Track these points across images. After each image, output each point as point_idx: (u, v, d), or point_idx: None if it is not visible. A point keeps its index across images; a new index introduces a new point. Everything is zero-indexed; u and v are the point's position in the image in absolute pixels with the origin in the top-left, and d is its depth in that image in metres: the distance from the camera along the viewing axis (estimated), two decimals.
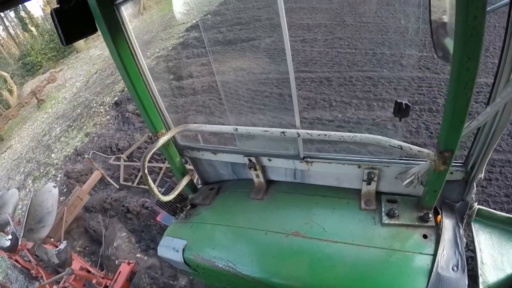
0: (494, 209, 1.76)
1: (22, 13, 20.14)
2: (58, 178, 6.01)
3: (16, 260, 3.88)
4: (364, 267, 1.54)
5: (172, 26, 11.82)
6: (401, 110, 1.47)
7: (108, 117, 7.43)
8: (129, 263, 3.25)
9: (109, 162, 4.92)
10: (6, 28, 20.90)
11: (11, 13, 19.80)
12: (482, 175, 1.51)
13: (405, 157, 1.65)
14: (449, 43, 1.18)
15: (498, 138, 1.34)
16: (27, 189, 6.34)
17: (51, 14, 1.34)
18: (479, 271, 1.47)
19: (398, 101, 1.45)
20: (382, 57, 5.81)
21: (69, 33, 1.40)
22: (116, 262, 3.61)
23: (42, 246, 2.95)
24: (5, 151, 9.03)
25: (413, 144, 1.51)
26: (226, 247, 1.84)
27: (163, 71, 7.99)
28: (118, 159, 4.80)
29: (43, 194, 3.51)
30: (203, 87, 6.70)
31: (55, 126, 8.59)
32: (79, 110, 8.64)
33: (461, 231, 1.57)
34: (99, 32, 1.55)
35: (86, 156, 4.94)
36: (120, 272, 3.23)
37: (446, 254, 1.46)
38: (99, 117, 7.66)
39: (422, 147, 1.46)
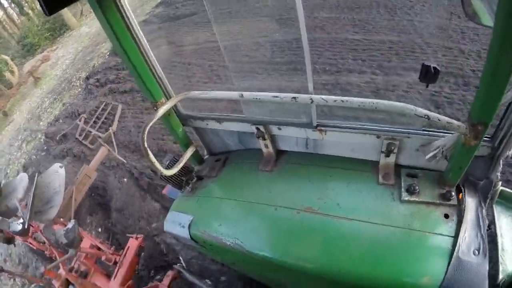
0: None
1: None
2: (41, 140, 7.67)
3: (30, 243, 3.92)
4: (381, 247, 1.44)
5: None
6: (428, 75, 1.31)
7: (80, 89, 8.92)
8: (137, 238, 3.23)
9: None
10: (5, 12, 21.55)
11: None
12: (510, 152, 1.37)
13: (429, 128, 1.51)
14: (475, 2, 1.06)
15: None
16: (22, 151, 8.08)
17: None
18: (500, 259, 1.36)
19: (426, 63, 1.30)
20: (406, 19, 5.50)
21: (51, 2, 1.27)
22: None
23: (49, 227, 2.93)
24: (8, 125, 10.89)
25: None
26: (233, 223, 1.76)
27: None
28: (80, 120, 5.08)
29: (50, 175, 3.48)
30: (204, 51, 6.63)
31: (46, 99, 10.18)
32: (63, 85, 10.12)
33: (484, 212, 1.45)
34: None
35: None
36: (128, 247, 3.23)
37: (468, 237, 1.36)
38: (74, 90, 9.20)
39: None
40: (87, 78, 8.87)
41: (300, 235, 1.60)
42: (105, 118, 4.86)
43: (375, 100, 1.41)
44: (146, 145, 1.63)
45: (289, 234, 1.63)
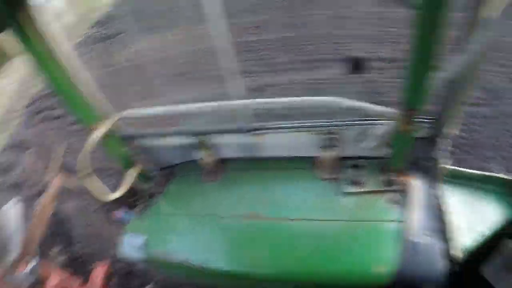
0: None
1: None
2: None
3: None
4: (330, 243, 1.44)
5: None
6: (356, 66, 1.34)
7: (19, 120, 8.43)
8: (102, 266, 3.13)
9: None
10: None
11: None
12: (456, 132, 1.40)
13: (366, 117, 1.52)
14: None
15: (467, 90, 1.22)
16: None
17: None
18: (451, 235, 1.39)
19: (352, 56, 1.31)
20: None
21: None
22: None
23: (9, 274, 2.77)
24: None
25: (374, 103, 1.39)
26: (183, 238, 1.72)
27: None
28: None
29: (4, 215, 3.30)
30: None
31: None
32: (5, 118, 9.31)
33: (432, 192, 1.49)
34: None
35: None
36: (93, 277, 3.11)
37: (418, 219, 1.38)
38: (16, 121, 8.39)
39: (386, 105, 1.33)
40: (27, 106, 8.74)
41: (248, 243, 1.58)
42: None
43: (304, 98, 1.41)
44: (84, 174, 1.55)
45: (237, 243, 1.61)
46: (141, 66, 6.55)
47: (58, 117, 7.25)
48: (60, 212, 4.79)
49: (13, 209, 3.30)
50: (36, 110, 8.24)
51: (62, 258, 4.28)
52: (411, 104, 1.20)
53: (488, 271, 1.46)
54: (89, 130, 1.70)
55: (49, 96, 8.14)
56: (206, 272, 1.61)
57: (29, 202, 5.00)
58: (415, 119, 1.28)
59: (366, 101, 1.37)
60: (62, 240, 4.52)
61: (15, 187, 5.88)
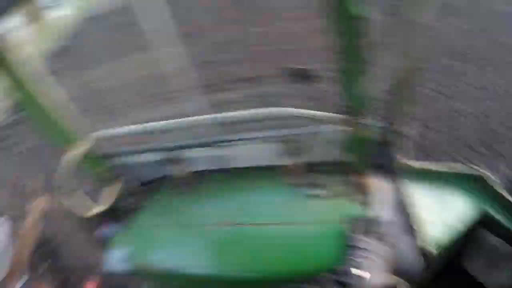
0: None
1: None
2: None
3: None
4: (297, 246, 1.51)
5: None
6: (302, 76, 1.42)
7: None
8: (92, 283, 3.15)
9: None
10: None
11: None
12: (412, 131, 1.47)
13: (323, 124, 1.61)
14: None
15: (410, 90, 1.31)
16: None
17: None
18: (421, 230, 1.45)
19: (299, 67, 1.40)
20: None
21: None
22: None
23: None
24: None
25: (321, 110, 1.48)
26: (166, 249, 1.80)
27: None
28: None
29: None
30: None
31: None
32: None
33: (397, 190, 1.56)
34: None
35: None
36: None
37: (382, 216, 1.45)
38: None
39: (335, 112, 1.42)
40: None
41: (226, 248, 1.67)
42: None
43: (259, 110, 1.51)
44: (62, 194, 1.62)
45: (216, 249, 1.69)
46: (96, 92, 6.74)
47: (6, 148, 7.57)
48: (46, 231, 4.82)
49: (1, 228, 3.32)
50: None
51: (50, 276, 4.30)
52: (350, 108, 1.29)
53: (472, 266, 1.53)
54: (64, 151, 1.77)
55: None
56: (191, 278, 1.69)
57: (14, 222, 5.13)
58: (362, 122, 1.35)
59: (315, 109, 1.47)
60: (49, 258, 4.53)
61: None
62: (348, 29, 1.03)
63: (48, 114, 1.66)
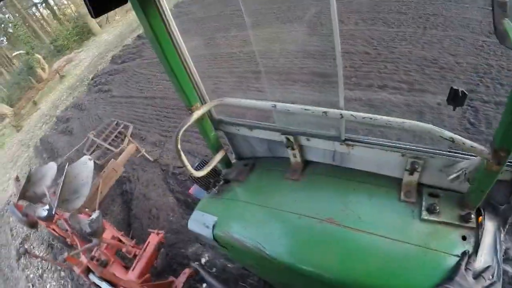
0: None
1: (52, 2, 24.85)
2: (54, 122, 10.92)
3: (53, 229, 4.10)
4: (397, 263, 1.47)
5: None
6: (456, 98, 1.34)
7: (85, 87, 11.75)
8: (158, 233, 3.34)
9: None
10: (42, 15, 25.57)
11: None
12: None
13: (454, 149, 1.52)
14: (508, 25, 1.07)
15: None
16: (41, 129, 11.33)
17: None
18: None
19: (454, 87, 1.32)
20: (437, 37, 5.45)
21: (98, 5, 1.35)
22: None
23: (75, 216, 3.06)
24: (36, 111, 14.38)
25: (464, 136, 1.40)
26: (256, 227, 1.82)
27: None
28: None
29: (78, 166, 3.63)
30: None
31: (64, 94, 13.23)
32: (78, 83, 13.07)
33: (502, 236, 1.46)
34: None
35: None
36: (149, 242, 3.34)
37: (483, 260, 1.36)
38: (82, 87, 12.02)
39: (474, 141, 1.34)
40: (92, 79, 11.86)
41: (320, 244, 1.65)
42: (115, 136, 5.15)
43: (402, 120, 1.45)
44: (179, 147, 1.71)
45: (309, 243, 1.68)
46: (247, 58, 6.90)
47: (106, 91, 9.91)
48: (128, 177, 5.18)
49: (86, 164, 3.62)
50: (94, 84, 11.18)
51: (119, 218, 4.63)
52: (505, 144, 1.18)
53: None
54: (188, 110, 1.87)
55: (106, 74, 11.26)
56: (271, 262, 1.70)
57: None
58: (505, 161, 1.25)
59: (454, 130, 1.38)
60: (123, 202, 4.87)
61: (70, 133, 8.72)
62: None
63: (181, 72, 1.75)
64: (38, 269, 5.32)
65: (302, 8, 7.53)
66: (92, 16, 1.38)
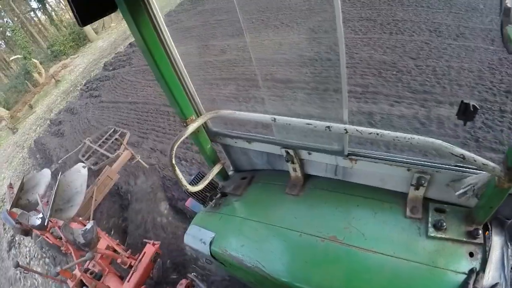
0: None
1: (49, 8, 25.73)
2: (47, 124, 11.52)
3: (47, 237, 4.01)
4: (403, 283, 1.41)
5: None
6: (467, 112, 1.28)
7: (77, 92, 12.59)
8: (153, 244, 3.27)
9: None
10: (40, 22, 26.54)
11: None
12: None
13: (461, 164, 1.46)
14: (511, 30, 1.01)
15: None
16: (35, 132, 11.92)
17: None
18: None
19: (465, 101, 1.26)
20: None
21: (85, 14, 1.28)
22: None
23: (68, 226, 2.98)
24: (32, 114, 15.03)
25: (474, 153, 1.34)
26: (256, 245, 1.74)
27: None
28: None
29: (72, 174, 3.56)
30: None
31: (58, 98, 14.05)
32: (71, 88, 13.91)
33: (510, 251, 1.41)
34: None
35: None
36: (144, 252, 3.26)
37: (491, 277, 1.31)
38: (75, 92, 12.86)
39: (485, 157, 1.28)
40: (85, 84, 12.70)
41: (323, 264, 1.58)
42: (112, 143, 5.17)
43: (411, 135, 1.38)
44: (174, 162, 1.64)
45: (312, 262, 1.60)
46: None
47: (96, 96, 10.55)
48: (122, 185, 5.14)
49: (79, 172, 3.54)
50: (86, 89, 11.87)
51: (114, 227, 4.55)
52: None
53: None
54: (183, 122, 1.79)
55: (97, 80, 11.97)
56: (272, 282, 1.62)
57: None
58: None
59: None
60: (118, 211, 4.80)
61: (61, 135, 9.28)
62: None
63: (175, 83, 1.68)
64: (26, 257, 5.88)
65: (305, 16, 7.54)
66: (79, 25, 1.32)
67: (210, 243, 1.85)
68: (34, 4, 24.46)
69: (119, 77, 10.68)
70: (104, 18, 1.41)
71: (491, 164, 1.23)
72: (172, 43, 1.64)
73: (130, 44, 13.76)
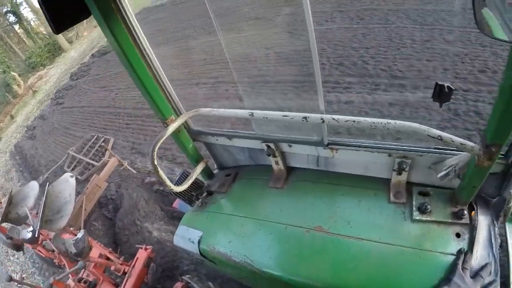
0: None
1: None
2: (23, 131, 12.52)
3: (39, 251, 3.96)
4: (391, 268, 1.42)
5: None
6: (442, 94, 1.30)
7: (49, 101, 13.63)
8: (146, 249, 3.25)
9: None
10: (18, 35, 26.54)
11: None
12: None
13: (442, 146, 1.48)
14: (486, 13, 1.03)
15: None
16: (15, 138, 12.77)
17: (38, 2, 1.21)
18: (511, 277, 1.32)
19: (439, 83, 1.28)
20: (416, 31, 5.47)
21: (60, 21, 1.26)
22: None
23: (59, 237, 2.95)
24: (12, 124, 15.77)
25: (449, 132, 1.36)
26: (243, 240, 1.75)
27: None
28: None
29: (60, 185, 3.50)
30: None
31: (35, 107, 15.07)
32: (45, 98, 14.95)
33: (496, 230, 1.42)
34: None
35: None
36: (137, 258, 3.25)
37: (480, 256, 1.33)
38: (48, 101, 13.81)
39: (462, 137, 1.30)
40: (55, 93, 13.84)
41: (310, 255, 1.59)
42: (96, 150, 5.15)
43: (387, 120, 1.39)
44: (156, 163, 1.63)
45: (299, 253, 1.62)
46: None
47: (61, 103, 12.02)
48: (112, 192, 5.09)
49: (67, 182, 3.50)
50: (55, 98, 13.19)
51: (106, 234, 4.51)
52: (496, 139, 1.17)
53: None
54: (163, 123, 1.79)
55: (64, 89, 13.29)
56: (261, 276, 1.63)
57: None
58: (496, 156, 1.24)
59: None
60: (109, 218, 4.75)
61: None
62: None
63: (152, 85, 1.67)
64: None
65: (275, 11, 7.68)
66: (54, 32, 1.31)
67: (199, 242, 1.86)
68: (12, 18, 24.36)
69: (78, 86, 12.45)
70: (77, 26, 1.40)
71: (470, 143, 1.25)
72: (147, 43, 1.63)
73: (92, 55, 15.11)
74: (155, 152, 1.63)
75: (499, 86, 1.04)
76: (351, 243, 1.53)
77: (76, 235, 3.07)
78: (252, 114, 1.66)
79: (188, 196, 1.99)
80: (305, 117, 1.53)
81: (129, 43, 1.51)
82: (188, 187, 1.91)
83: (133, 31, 1.55)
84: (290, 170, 1.94)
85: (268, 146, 1.81)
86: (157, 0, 15.50)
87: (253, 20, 7.77)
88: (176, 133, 1.85)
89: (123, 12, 1.47)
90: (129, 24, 1.52)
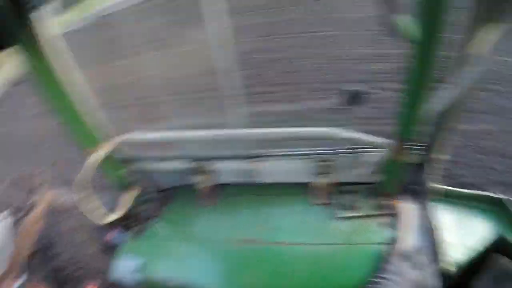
0: None
1: None
2: None
3: None
4: (326, 267, 1.48)
5: None
6: (352, 98, 1.39)
7: None
8: (93, 286, 3.07)
9: None
10: None
11: None
12: (446, 156, 1.46)
13: (360, 146, 1.58)
14: (397, 18, 1.11)
15: (454, 119, 1.28)
16: None
17: None
18: (444, 251, 1.43)
19: (347, 88, 1.37)
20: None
21: None
22: None
23: None
24: None
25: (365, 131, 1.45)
26: (180, 263, 1.72)
27: None
28: None
29: None
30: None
31: None
32: None
33: (425, 213, 1.54)
34: None
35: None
36: None
37: (413, 242, 1.42)
38: None
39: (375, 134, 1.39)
40: None
41: (247, 267, 1.60)
42: None
43: (301, 129, 1.46)
44: (80, 197, 1.56)
45: (237, 268, 1.62)
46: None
47: None
48: (50, 229, 4.75)
49: (1, 224, 3.24)
50: None
51: (50, 277, 4.19)
52: (404, 135, 1.26)
53: (479, 285, 1.50)
54: (87, 152, 1.71)
55: None
56: None
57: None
58: (407, 148, 1.33)
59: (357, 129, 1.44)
60: (50, 258, 4.43)
61: None
62: (422, 55, 1.00)
63: (73, 114, 1.58)
64: None
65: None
66: None
67: (138, 272, 1.78)
68: None
69: None
70: None
71: (380, 140, 1.36)
72: (69, 65, 1.50)
73: None
74: (79, 190, 1.55)
75: (402, 87, 1.12)
76: (284, 250, 1.56)
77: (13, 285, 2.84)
78: (178, 136, 1.67)
79: (123, 225, 1.91)
80: (227, 133, 1.55)
81: (44, 66, 1.39)
82: (121, 216, 1.84)
83: (55, 55, 1.43)
84: (220, 186, 1.95)
85: (197, 165, 1.80)
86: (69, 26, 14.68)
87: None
88: (103, 162, 1.78)
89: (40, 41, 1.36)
90: (50, 49, 1.39)
